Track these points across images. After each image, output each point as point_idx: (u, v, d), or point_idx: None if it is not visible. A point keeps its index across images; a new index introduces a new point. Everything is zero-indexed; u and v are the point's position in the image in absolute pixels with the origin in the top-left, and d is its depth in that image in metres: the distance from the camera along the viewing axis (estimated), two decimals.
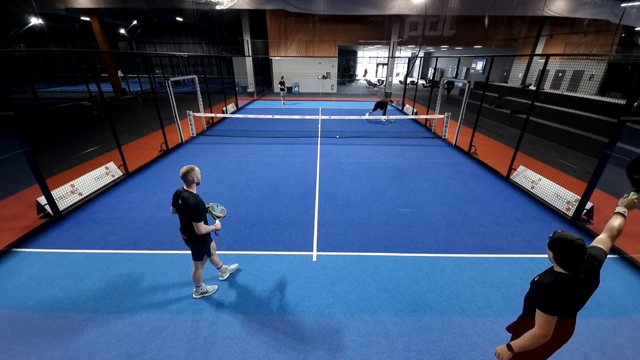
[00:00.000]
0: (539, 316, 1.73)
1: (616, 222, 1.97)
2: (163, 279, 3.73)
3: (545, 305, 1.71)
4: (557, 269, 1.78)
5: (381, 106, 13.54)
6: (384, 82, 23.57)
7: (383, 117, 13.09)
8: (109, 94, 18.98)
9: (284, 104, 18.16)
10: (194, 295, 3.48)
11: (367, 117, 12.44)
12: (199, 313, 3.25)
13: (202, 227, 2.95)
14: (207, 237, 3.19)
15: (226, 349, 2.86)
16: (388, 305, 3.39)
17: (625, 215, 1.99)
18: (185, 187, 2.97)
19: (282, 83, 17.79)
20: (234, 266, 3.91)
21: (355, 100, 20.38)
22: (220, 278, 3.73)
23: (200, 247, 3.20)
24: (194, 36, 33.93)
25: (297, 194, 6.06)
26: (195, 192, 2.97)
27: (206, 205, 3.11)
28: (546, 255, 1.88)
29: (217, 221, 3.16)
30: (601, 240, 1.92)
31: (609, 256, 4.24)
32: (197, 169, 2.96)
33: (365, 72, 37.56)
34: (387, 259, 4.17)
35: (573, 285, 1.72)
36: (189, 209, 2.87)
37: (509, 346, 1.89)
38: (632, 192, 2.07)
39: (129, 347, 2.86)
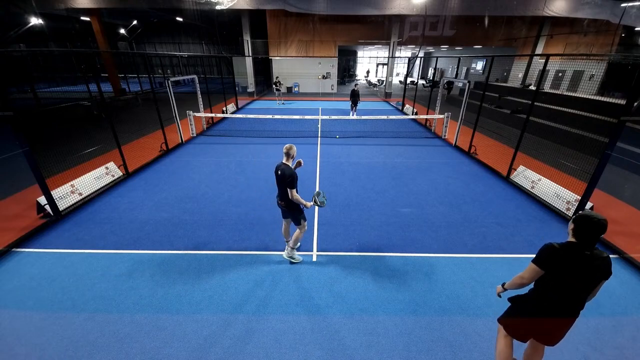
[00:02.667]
0: (529, 265, 2.06)
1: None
2: (163, 279, 3.73)
3: (536, 257, 2.01)
4: (570, 239, 1.96)
5: (353, 99, 13.27)
6: (384, 82, 23.57)
7: (353, 114, 13.07)
8: (109, 94, 18.99)
9: (283, 103, 18.18)
10: (284, 255, 4.06)
11: (354, 116, 12.58)
12: (199, 313, 3.25)
13: (295, 195, 3.53)
14: (300, 205, 3.70)
15: (226, 349, 2.86)
16: (388, 305, 3.38)
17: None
18: (284, 161, 3.61)
19: (276, 83, 17.74)
20: (299, 258, 4.14)
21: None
22: (284, 255, 4.07)
23: (297, 213, 3.78)
24: (194, 36, 33.94)
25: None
26: (291, 166, 3.59)
27: (317, 190, 3.80)
28: None
29: (311, 203, 3.69)
30: None
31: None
32: (294, 146, 3.64)
33: (368, 72, 36.71)
34: (387, 259, 4.17)
35: (573, 253, 1.89)
36: (286, 178, 3.47)
37: (503, 284, 2.33)
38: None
39: (129, 347, 2.86)
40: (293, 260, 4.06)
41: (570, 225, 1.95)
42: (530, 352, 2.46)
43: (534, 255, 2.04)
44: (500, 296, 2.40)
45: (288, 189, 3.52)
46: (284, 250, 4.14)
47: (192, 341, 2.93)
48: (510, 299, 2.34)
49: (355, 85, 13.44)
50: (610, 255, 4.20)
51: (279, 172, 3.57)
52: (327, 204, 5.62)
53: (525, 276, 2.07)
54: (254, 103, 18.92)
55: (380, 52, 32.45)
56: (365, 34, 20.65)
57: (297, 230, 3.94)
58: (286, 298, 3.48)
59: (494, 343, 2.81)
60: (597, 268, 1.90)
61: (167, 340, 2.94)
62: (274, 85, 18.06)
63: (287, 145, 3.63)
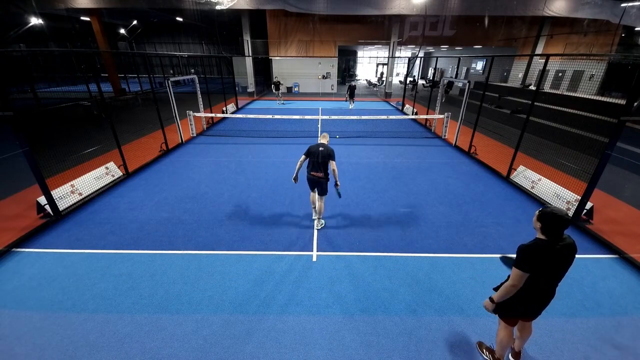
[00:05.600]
0: (513, 271, 2.10)
1: None
2: (163, 279, 3.73)
3: (517, 262, 2.06)
4: (539, 236, 2.06)
5: (350, 92, 16.18)
6: (384, 82, 23.57)
7: (350, 105, 16.41)
8: (109, 94, 18.99)
9: (282, 103, 18.25)
10: (317, 227, 4.81)
11: (351, 107, 15.85)
12: (199, 313, 3.25)
13: (335, 165, 4.37)
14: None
15: (226, 349, 2.86)
16: (388, 305, 3.38)
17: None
18: (320, 142, 4.55)
19: (275, 84, 17.87)
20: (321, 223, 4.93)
21: (356, 100, 20.36)
22: (318, 226, 4.85)
23: (327, 183, 4.57)
24: (194, 36, 33.95)
25: (297, 194, 6.05)
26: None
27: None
28: None
29: (339, 185, 4.51)
30: None
31: (609, 256, 4.28)
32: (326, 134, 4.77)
33: (381, 75, 32.23)
34: (387, 259, 4.17)
35: (548, 249, 2.01)
36: (331, 152, 4.38)
37: (490, 298, 2.30)
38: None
39: (129, 347, 2.86)
40: (322, 226, 4.85)
41: (537, 224, 2.05)
42: (520, 329, 2.62)
43: None
44: (494, 312, 2.38)
45: (331, 161, 4.34)
46: (314, 219, 4.95)
47: (192, 341, 2.93)
48: (495, 289, 2.41)
49: (352, 81, 15.25)
50: (611, 256, 4.25)
51: (322, 149, 4.37)
52: (327, 203, 5.64)
53: (515, 284, 2.10)
54: (254, 103, 18.92)
55: (380, 52, 32.40)
56: (365, 34, 20.65)
57: (321, 202, 4.67)
58: (286, 298, 3.48)
59: (494, 343, 2.82)
60: (567, 257, 2.05)
61: (167, 340, 2.94)
62: (273, 86, 18.09)
63: (324, 134, 4.80)
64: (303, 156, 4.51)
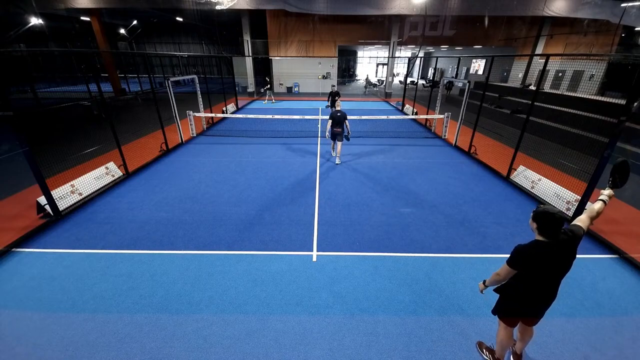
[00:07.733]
0: (503, 265, 2.17)
1: (597, 205, 2.28)
2: (163, 279, 3.73)
3: (509, 258, 2.11)
4: (538, 237, 2.05)
5: (332, 100, 14.50)
6: (384, 82, 23.56)
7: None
8: (109, 94, 18.99)
9: (273, 101, 18.55)
10: (337, 162, 7.63)
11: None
12: (199, 313, 3.25)
13: (347, 122, 7.26)
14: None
15: (226, 349, 2.86)
16: (388, 305, 3.38)
17: (606, 202, 2.30)
18: (337, 109, 7.23)
19: (268, 82, 18.35)
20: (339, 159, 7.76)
21: (356, 100, 20.39)
22: (338, 161, 7.68)
23: (343, 134, 7.32)
24: (194, 36, 33.97)
25: (297, 194, 6.06)
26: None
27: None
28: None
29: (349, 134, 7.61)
30: (581, 220, 2.18)
31: (609, 256, 4.28)
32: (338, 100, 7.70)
33: (395, 75, 28.82)
34: (387, 259, 4.17)
35: (546, 250, 2.00)
36: (345, 115, 7.16)
37: (484, 281, 2.42)
38: (608, 188, 2.40)
39: (129, 347, 2.86)
40: (339, 162, 7.63)
41: (533, 224, 2.05)
42: (522, 332, 2.61)
43: None
44: (482, 292, 2.48)
45: (346, 120, 7.16)
46: (336, 160, 7.70)
47: (192, 341, 2.93)
48: (495, 290, 2.43)
49: (333, 86, 14.71)
50: (611, 256, 4.25)
51: (339, 114, 7.08)
52: (327, 203, 5.66)
53: (500, 274, 2.22)
54: (254, 103, 18.91)
55: (380, 52, 32.41)
56: (365, 34, 20.66)
57: (340, 144, 7.51)
58: (286, 298, 3.48)
59: (495, 335, 2.82)
60: (567, 256, 2.03)
61: (167, 340, 2.94)
62: (267, 85, 18.44)
63: (338, 101, 7.63)
64: (330, 120, 7.17)
